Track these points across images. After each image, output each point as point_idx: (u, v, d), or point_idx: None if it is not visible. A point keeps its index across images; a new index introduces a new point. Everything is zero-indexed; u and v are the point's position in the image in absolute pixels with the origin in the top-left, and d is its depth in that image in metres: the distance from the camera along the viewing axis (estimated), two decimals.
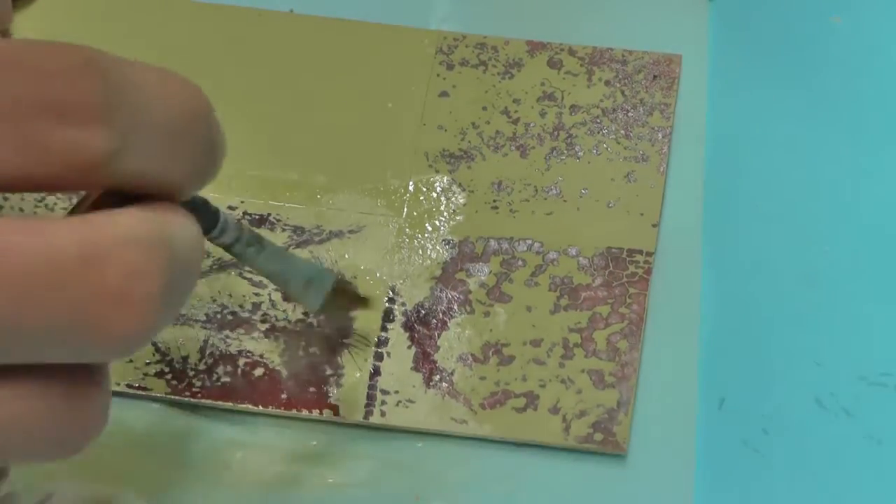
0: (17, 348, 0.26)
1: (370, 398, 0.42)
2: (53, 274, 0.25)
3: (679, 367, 0.43)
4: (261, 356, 0.43)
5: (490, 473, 0.41)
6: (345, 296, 0.41)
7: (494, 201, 0.46)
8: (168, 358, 0.43)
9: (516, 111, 0.47)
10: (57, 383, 0.27)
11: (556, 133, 0.47)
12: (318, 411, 0.42)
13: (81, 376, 0.28)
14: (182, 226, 0.28)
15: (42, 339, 0.26)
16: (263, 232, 0.45)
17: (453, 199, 0.46)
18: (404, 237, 0.45)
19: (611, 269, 0.44)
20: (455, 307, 0.44)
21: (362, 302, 0.42)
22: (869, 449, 0.41)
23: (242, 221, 0.35)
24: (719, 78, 0.48)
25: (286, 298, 0.43)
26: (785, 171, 0.46)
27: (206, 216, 0.31)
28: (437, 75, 0.48)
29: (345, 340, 0.43)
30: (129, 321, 0.26)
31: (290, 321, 0.43)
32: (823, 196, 0.46)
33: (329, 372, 0.42)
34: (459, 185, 0.46)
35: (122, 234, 0.26)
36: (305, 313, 0.43)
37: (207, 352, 0.43)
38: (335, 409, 0.42)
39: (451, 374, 0.42)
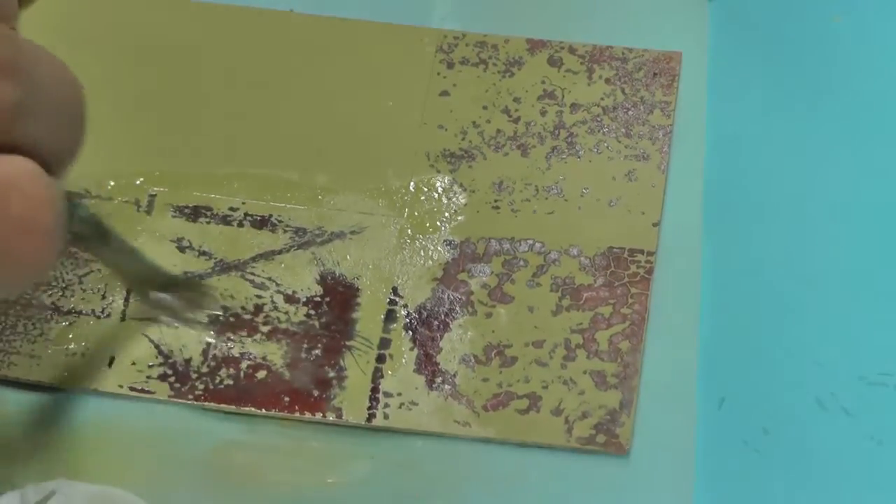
0: None
1: (373, 400, 0.42)
2: None
3: (679, 367, 0.43)
4: (263, 358, 0.43)
5: (490, 472, 0.41)
6: (180, 295, 0.43)
7: (496, 201, 0.46)
8: (171, 360, 0.43)
9: (517, 110, 0.47)
10: None
11: (556, 132, 0.47)
12: (321, 414, 0.42)
13: None
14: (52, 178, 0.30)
15: None
16: (265, 234, 0.45)
17: (454, 199, 0.46)
18: (406, 238, 0.45)
19: (612, 268, 0.44)
20: (457, 308, 0.44)
21: (200, 303, 0.43)
22: (869, 449, 0.41)
23: (94, 214, 0.37)
24: (719, 76, 0.48)
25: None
26: (785, 170, 0.46)
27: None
28: (438, 74, 0.48)
29: (347, 342, 0.43)
30: (37, 247, 0.28)
31: (292, 323, 0.43)
32: (823, 196, 0.46)
33: (331, 374, 0.43)
34: (461, 185, 0.46)
35: (24, 169, 0.28)
36: (307, 315, 0.44)
37: (210, 354, 0.43)
38: (338, 412, 0.42)
39: (454, 375, 0.42)
